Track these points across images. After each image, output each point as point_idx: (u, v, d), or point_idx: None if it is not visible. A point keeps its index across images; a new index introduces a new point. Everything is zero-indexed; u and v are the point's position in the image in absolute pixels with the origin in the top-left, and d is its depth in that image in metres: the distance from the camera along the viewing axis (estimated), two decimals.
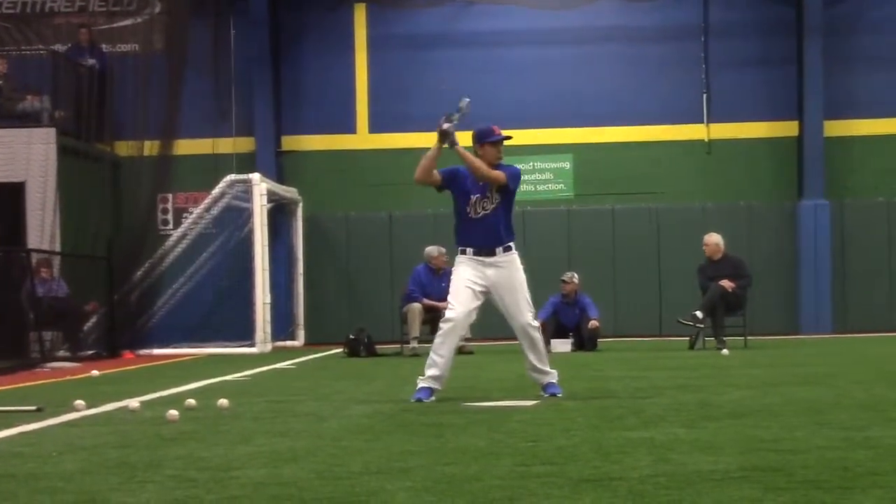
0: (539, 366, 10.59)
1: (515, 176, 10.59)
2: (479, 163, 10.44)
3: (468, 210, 10.48)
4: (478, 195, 10.46)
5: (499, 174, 10.43)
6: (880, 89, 26.65)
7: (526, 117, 26.56)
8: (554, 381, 10.61)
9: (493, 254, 10.43)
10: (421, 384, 10.38)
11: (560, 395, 10.41)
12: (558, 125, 26.85)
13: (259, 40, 26.95)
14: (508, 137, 10.71)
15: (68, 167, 22.76)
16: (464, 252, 10.52)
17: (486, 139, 10.57)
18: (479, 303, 10.48)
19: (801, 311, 26.25)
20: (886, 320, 25.83)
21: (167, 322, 23.79)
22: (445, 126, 10.38)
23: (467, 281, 10.40)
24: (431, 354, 10.43)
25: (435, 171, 10.53)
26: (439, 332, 10.44)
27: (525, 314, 10.45)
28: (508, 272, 10.45)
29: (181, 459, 6.68)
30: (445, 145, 10.41)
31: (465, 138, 10.54)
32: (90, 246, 22.91)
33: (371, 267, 26.58)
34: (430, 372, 10.36)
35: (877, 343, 21.61)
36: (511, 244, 10.53)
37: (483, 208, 10.45)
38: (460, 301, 10.37)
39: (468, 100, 10.65)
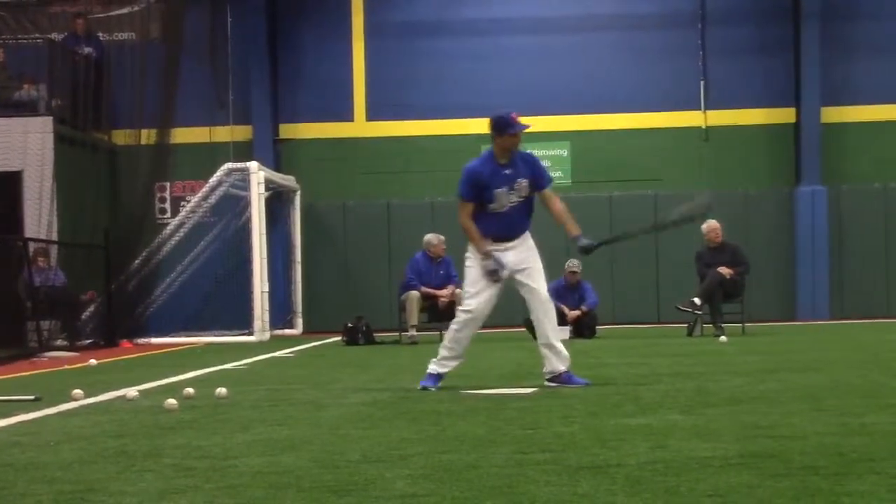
0: (554, 340, 10.46)
1: (543, 174, 10.69)
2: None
3: (493, 206, 10.30)
4: (503, 189, 10.29)
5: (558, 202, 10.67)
6: (877, 76, 26.67)
7: (523, 105, 26.27)
8: (565, 368, 10.46)
9: (513, 240, 10.41)
10: (434, 370, 10.31)
11: (582, 383, 10.36)
12: (556, 112, 26.83)
13: (256, 28, 26.94)
14: (528, 126, 10.49)
15: (65, 156, 22.75)
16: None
17: (506, 131, 10.32)
18: (497, 289, 10.38)
19: (799, 297, 26.28)
20: (883, 306, 25.89)
21: (165, 311, 23.80)
22: (492, 266, 10.28)
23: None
24: (451, 344, 10.34)
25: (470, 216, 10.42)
26: (460, 324, 10.34)
27: (543, 287, 10.45)
28: (528, 252, 10.47)
29: (179, 448, 6.69)
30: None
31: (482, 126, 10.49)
32: (87, 235, 22.90)
33: (369, 255, 26.59)
34: (450, 363, 10.34)
35: (873, 329, 21.62)
36: (528, 229, 10.55)
37: (509, 201, 10.35)
38: (481, 292, 10.31)
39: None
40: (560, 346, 10.52)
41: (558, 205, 10.58)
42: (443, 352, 10.37)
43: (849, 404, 8.23)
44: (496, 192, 10.27)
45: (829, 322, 25.27)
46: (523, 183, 10.33)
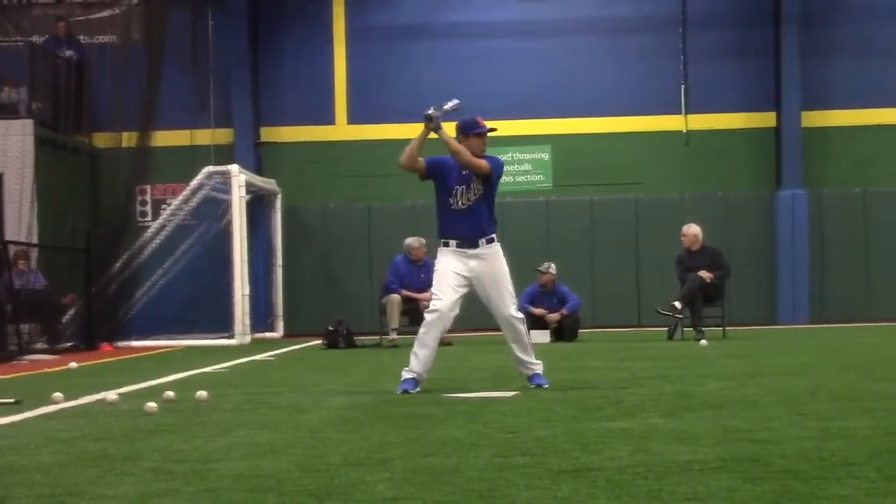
0: (524, 357, 10.60)
1: (499, 167, 10.67)
2: (463, 150, 10.44)
3: (451, 202, 10.50)
4: (462, 187, 10.47)
5: (482, 162, 10.46)
6: (857, 80, 26.74)
7: (505, 108, 26.56)
8: (539, 371, 10.61)
9: (476, 245, 10.45)
10: (406, 375, 10.37)
11: (546, 387, 10.41)
12: (537, 116, 26.87)
13: (238, 31, 26.92)
14: (493, 129, 10.72)
15: (46, 159, 22.69)
16: (446, 244, 10.53)
17: (471, 131, 10.57)
18: (463, 292, 10.48)
19: (779, 301, 26.34)
20: (863, 311, 25.93)
21: (145, 314, 23.75)
22: (431, 111, 10.38)
23: (451, 272, 10.41)
24: (416, 345, 10.42)
25: (420, 159, 10.55)
26: (425, 322, 10.41)
27: (508, 306, 10.46)
28: (492, 264, 10.47)
29: (159, 452, 6.68)
30: (431, 132, 10.40)
31: (449, 129, 10.55)
32: (68, 238, 22.84)
33: (350, 258, 26.58)
34: (414, 362, 10.35)
35: (853, 333, 21.67)
36: (493, 236, 10.56)
37: (468, 199, 10.46)
38: (445, 292, 10.38)
39: (458, 102, 10.65)
40: (531, 360, 10.64)
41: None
42: (412, 357, 10.40)
43: (829, 408, 8.25)
44: (455, 188, 10.47)
45: (809, 326, 25.33)
46: (479, 182, 10.49)
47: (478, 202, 10.48)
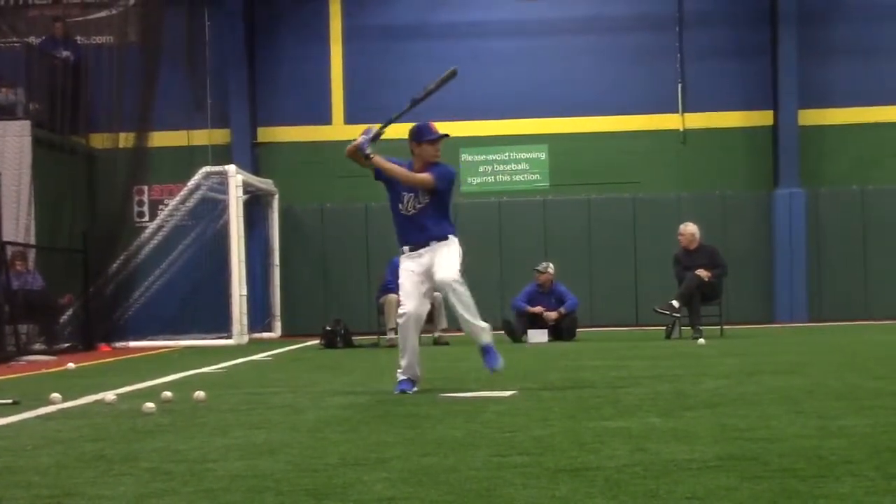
0: (472, 321, 10.35)
1: (445, 177, 10.54)
2: (401, 171, 10.45)
3: (401, 207, 10.54)
4: (411, 194, 10.48)
5: (425, 178, 10.39)
6: (854, 78, 26.76)
7: (501, 108, 26.63)
8: (488, 341, 10.47)
9: (427, 246, 10.45)
10: (400, 376, 10.39)
11: (498, 367, 10.37)
12: (534, 115, 26.87)
13: (234, 31, 26.91)
14: (446, 135, 10.66)
15: (43, 160, 22.69)
16: (403, 251, 10.56)
17: (423, 138, 10.56)
18: (425, 288, 10.47)
19: (777, 299, 26.35)
20: (861, 309, 25.96)
21: (143, 314, 23.76)
22: (359, 140, 10.38)
23: (409, 273, 10.42)
24: (399, 350, 10.45)
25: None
26: (399, 327, 10.46)
27: (447, 270, 10.28)
28: (439, 248, 10.41)
29: (157, 452, 6.67)
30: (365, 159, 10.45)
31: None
32: (65, 238, 22.83)
33: (347, 258, 26.58)
34: (404, 364, 10.38)
35: (851, 331, 21.68)
36: (449, 235, 10.52)
37: (414, 207, 10.46)
38: (410, 295, 10.40)
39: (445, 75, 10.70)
40: (478, 323, 10.42)
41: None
42: (401, 360, 10.44)
43: (827, 406, 8.24)
44: (403, 195, 10.49)
45: (807, 324, 25.33)
46: (425, 192, 10.48)
47: (423, 209, 10.46)
